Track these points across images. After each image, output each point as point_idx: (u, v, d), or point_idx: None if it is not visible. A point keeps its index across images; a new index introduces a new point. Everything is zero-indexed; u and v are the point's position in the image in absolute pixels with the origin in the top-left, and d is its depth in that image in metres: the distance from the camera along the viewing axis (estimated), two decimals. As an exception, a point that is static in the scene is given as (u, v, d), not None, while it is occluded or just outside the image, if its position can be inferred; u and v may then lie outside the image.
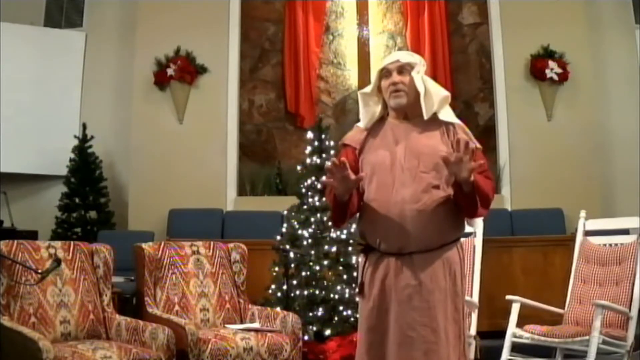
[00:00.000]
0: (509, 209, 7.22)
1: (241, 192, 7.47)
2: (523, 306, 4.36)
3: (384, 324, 2.60)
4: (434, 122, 2.70)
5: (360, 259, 2.77)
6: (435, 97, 2.70)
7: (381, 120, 2.79)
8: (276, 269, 5.01)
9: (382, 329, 2.59)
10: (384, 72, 2.73)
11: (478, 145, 2.65)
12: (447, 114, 2.72)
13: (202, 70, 7.46)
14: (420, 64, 2.74)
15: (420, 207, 2.57)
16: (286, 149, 7.76)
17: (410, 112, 2.72)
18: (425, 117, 2.68)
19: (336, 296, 4.87)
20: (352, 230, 4.99)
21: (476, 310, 4.49)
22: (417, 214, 2.57)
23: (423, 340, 2.52)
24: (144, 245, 4.38)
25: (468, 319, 4.35)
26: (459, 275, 2.66)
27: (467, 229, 4.72)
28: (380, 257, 2.64)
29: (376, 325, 2.61)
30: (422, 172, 2.59)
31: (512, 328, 4.27)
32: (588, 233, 4.61)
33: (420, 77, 2.70)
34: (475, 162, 2.51)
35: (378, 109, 2.78)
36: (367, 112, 2.79)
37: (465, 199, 2.55)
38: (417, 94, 2.68)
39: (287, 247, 4.90)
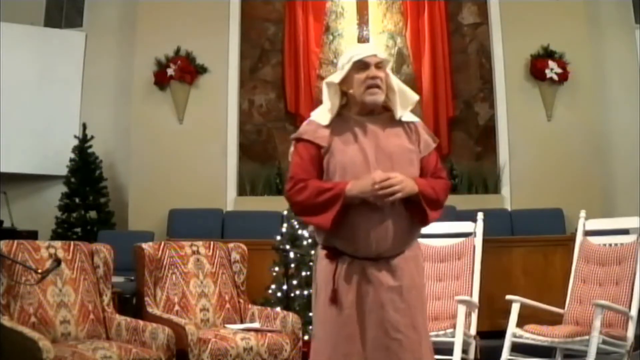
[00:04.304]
0: (509, 209, 7.22)
1: (241, 192, 7.47)
2: (523, 306, 4.36)
3: (361, 331, 2.52)
4: (395, 119, 2.64)
5: (322, 265, 2.61)
6: (409, 99, 2.66)
7: (340, 115, 2.64)
8: (276, 269, 5.01)
9: (360, 336, 2.52)
10: (360, 65, 2.58)
11: (436, 143, 2.68)
12: (408, 114, 2.67)
13: (202, 70, 7.47)
14: (389, 62, 2.67)
15: (400, 212, 2.53)
16: (286, 149, 7.70)
17: (376, 108, 2.63)
18: (397, 116, 2.62)
19: (336, 296, 4.87)
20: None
21: (476, 310, 4.49)
22: (398, 219, 2.53)
23: (409, 341, 2.51)
24: (144, 245, 4.37)
25: (468, 319, 4.35)
26: (423, 272, 2.72)
27: (467, 228, 4.77)
28: (352, 262, 2.55)
29: (353, 333, 2.52)
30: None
31: (512, 328, 4.27)
32: (588, 233, 4.61)
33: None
34: (430, 161, 2.61)
35: (337, 102, 2.64)
36: (330, 104, 2.63)
37: (414, 209, 2.54)
38: (388, 91, 2.62)
39: (287, 247, 4.90)
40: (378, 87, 2.57)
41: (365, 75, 2.57)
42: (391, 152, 2.57)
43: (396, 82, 2.65)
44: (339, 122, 2.62)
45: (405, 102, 2.65)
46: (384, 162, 2.54)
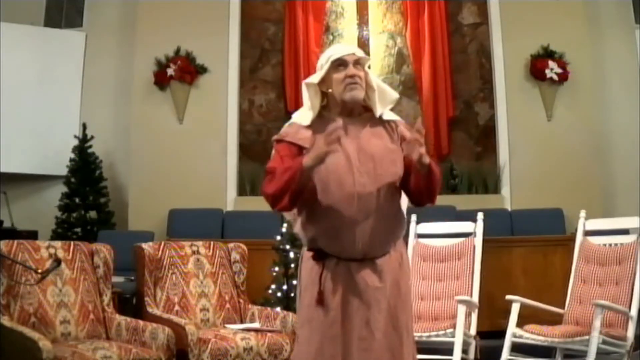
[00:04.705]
0: (509, 209, 7.22)
1: (241, 192, 7.46)
2: (523, 306, 4.36)
3: (347, 331, 2.52)
4: (376, 119, 2.63)
5: (308, 266, 2.59)
6: (389, 97, 2.66)
7: (320, 117, 2.61)
8: (276, 269, 5.01)
9: (346, 336, 2.52)
10: (338, 63, 2.57)
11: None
12: (389, 113, 2.67)
13: (202, 70, 7.46)
14: (368, 61, 2.66)
15: (385, 212, 2.53)
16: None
17: (357, 108, 2.63)
18: (377, 114, 2.61)
19: (336, 296, 4.87)
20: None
21: (476, 310, 4.50)
22: (383, 219, 2.53)
23: (388, 340, 2.52)
24: (144, 245, 4.38)
25: (468, 319, 4.35)
26: (409, 271, 2.70)
27: (467, 228, 4.76)
28: (338, 263, 2.54)
29: (339, 334, 2.52)
30: (380, 174, 2.53)
31: (512, 328, 4.27)
32: (588, 233, 4.61)
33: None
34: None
35: (318, 103, 2.63)
36: (310, 104, 2.62)
37: (425, 181, 2.51)
38: (368, 90, 2.61)
39: (287, 247, 4.90)
40: (356, 84, 2.56)
41: (344, 74, 2.56)
42: (373, 153, 2.55)
43: (375, 81, 2.64)
44: (320, 124, 2.58)
45: (385, 100, 2.65)
46: (366, 163, 2.53)
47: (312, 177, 2.49)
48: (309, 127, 2.60)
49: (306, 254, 2.63)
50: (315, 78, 2.61)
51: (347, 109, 2.61)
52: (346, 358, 2.51)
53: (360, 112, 2.65)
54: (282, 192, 2.48)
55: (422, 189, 2.56)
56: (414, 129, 2.44)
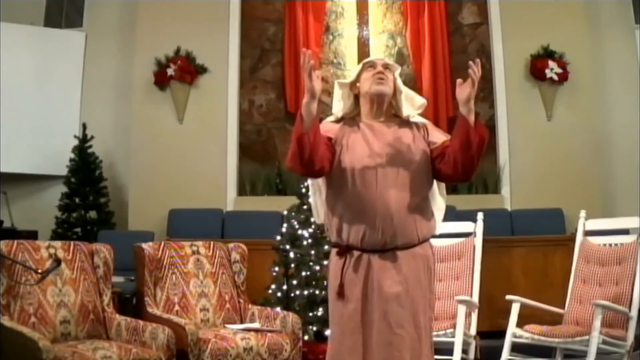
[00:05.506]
0: (509, 209, 7.22)
1: (241, 192, 7.47)
2: (523, 306, 4.36)
3: (367, 324, 2.56)
4: (405, 122, 2.75)
5: (333, 262, 2.68)
6: (417, 102, 2.78)
7: (351, 119, 2.78)
8: (276, 269, 5.01)
9: (366, 329, 2.56)
10: (368, 65, 2.76)
11: (447, 137, 2.72)
12: (417, 117, 2.78)
13: (202, 70, 7.47)
14: (398, 69, 2.82)
15: (404, 204, 2.59)
16: (286, 149, 7.62)
17: (386, 110, 2.74)
18: (404, 114, 2.73)
19: (336, 296, 4.87)
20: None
21: (476, 310, 4.49)
22: (402, 210, 2.58)
23: (410, 338, 2.53)
24: (144, 245, 4.38)
25: (468, 319, 4.35)
26: (433, 273, 2.71)
27: (467, 228, 4.76)
28: (360, 255, 2.61)
29: (360, 326, 2.57)
30: (403, 169, 2.61)
31: (512, 328, 4.27)
32: (588, 233, 4.61)
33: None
34: (444, 142, 2.66)
35: (350, 103, 2.79)
36: (341, 104, 2.80)
37: (474, 134, 2.53)
38: (395, 93, 2.75)
39: (287, 247, 4.90)
40: (383, 79, 2.70)
41: (373, 72, 2.73)
42: (398, 149, 2.65)
43: (404, 87, 2.78)
44: (348, 122, 2.77)
45: (413, 104, 2.77)
46: (391, 158, 2.63)
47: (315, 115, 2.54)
48: (337, 121, 2.77)
49: (332, 252, 2.72)
50: (348, 79, 2.80)
51: (375, 107, 2.73)
52: (366, 351, 2.54)
53: (389, 117, 2.76)
54: (295, 147, 2.53)
55: (464, 148, 2.56)
56: (473, 65, 2.57)
